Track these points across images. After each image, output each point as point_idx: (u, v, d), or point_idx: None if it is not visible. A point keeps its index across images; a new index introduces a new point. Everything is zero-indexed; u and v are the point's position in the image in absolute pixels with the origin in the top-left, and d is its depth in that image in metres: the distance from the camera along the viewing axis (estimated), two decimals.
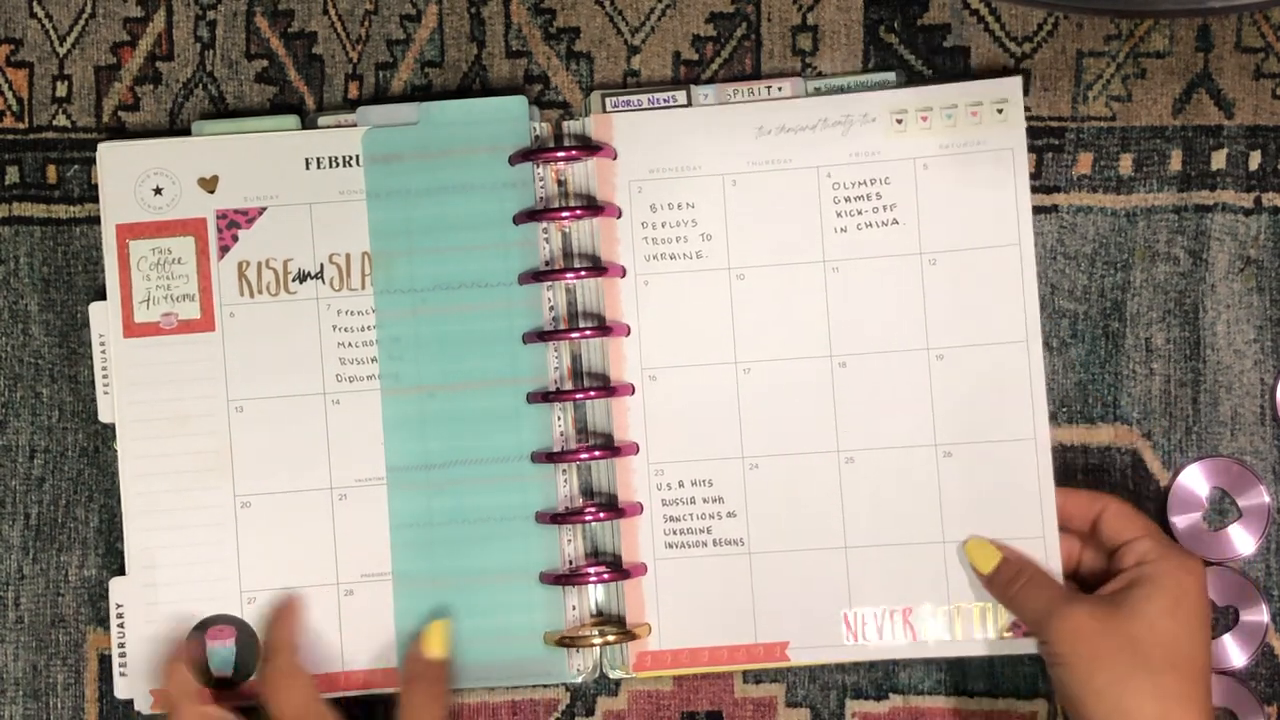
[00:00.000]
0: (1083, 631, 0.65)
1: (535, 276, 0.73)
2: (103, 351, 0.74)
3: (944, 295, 0.72)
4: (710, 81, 0.75)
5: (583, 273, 0.73)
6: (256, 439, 0.73)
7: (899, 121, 0.73)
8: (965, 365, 0.72)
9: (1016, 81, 0.72)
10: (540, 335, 0.73)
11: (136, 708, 0.73)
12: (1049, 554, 0.71)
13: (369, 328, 0.74)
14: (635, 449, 0.73)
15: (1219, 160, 0.74)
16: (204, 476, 0.73)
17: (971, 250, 0.72)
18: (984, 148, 0.72)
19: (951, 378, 0.72)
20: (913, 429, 0.72)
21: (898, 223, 0.73)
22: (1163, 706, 0.64)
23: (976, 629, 0.72)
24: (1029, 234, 0.72)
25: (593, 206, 0.73)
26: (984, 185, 0.72)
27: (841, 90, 0.74)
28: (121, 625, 0.73)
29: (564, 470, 0.73)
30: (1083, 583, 0.71)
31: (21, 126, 0.77)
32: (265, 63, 0.76)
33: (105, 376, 0.74)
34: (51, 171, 0.77)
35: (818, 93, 0.74)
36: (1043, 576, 0.69)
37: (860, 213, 0.73)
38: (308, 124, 0.75)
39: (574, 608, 0.73)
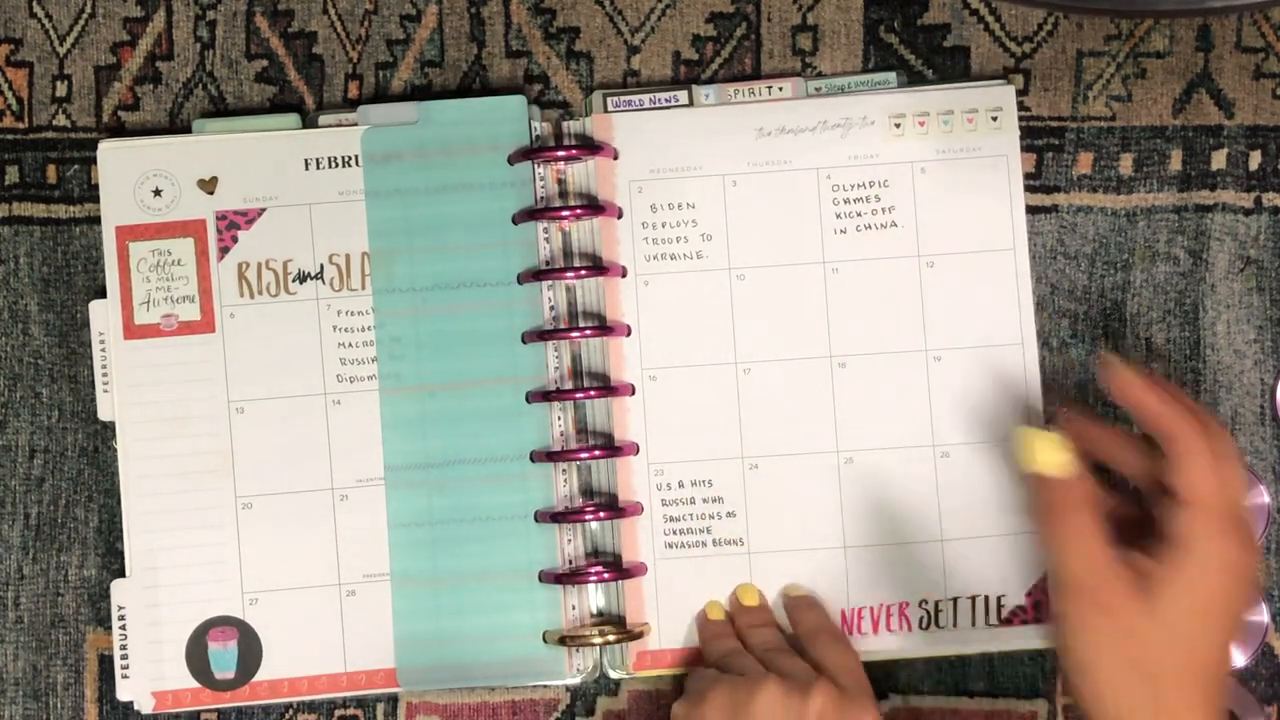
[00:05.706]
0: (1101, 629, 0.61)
1: (535, 276, 0.73)
2: (103, 349, 0.74)
3: (941, 297, 0.73)
4: (710, 81, 0.75)
5: (583, 272, 0.73)
6: (257, 440, 0.73)
7: (897, 125, 0.73)
8: (962, 367, 0.73)
9: (1010, 90, 0.73)
10: (540, 335, 0.73)
11: (138, 709, 0.73)
12: None
13: (369, 328, 0.74)
14: (635, 449, 0.73)
15: (1219, 160, 0.74)
16: (205, 478, 0.73)
17: (968, 254, 0.73)
18: (979, 153, 0.73)
19: (949, 379, 0.73)
20: (911, 429, 0.73)
21: (896, 225, 0.73)
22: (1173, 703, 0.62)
23: (975, 622, 0.72)
24: (1023, 239, 0.73)
25: (593, 206, 0.73)
26: (979, 190, 0.73)
27: (841, 91, 0.74)
28: (124, 627, 0.73)
29: (564, 470, 0.73)
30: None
31: (21, 126, 0.77)
32: (265, 63, 0.76)
33: (105, 374, 0.74)
34: (51, 171, 0.77)
35: (818, 93, 0.74)
36: (1098, 526, 0.61)
37: (859, 215, 0.73)
38: (308, 123, 0.75)
39: (574, 607, 0.73)
